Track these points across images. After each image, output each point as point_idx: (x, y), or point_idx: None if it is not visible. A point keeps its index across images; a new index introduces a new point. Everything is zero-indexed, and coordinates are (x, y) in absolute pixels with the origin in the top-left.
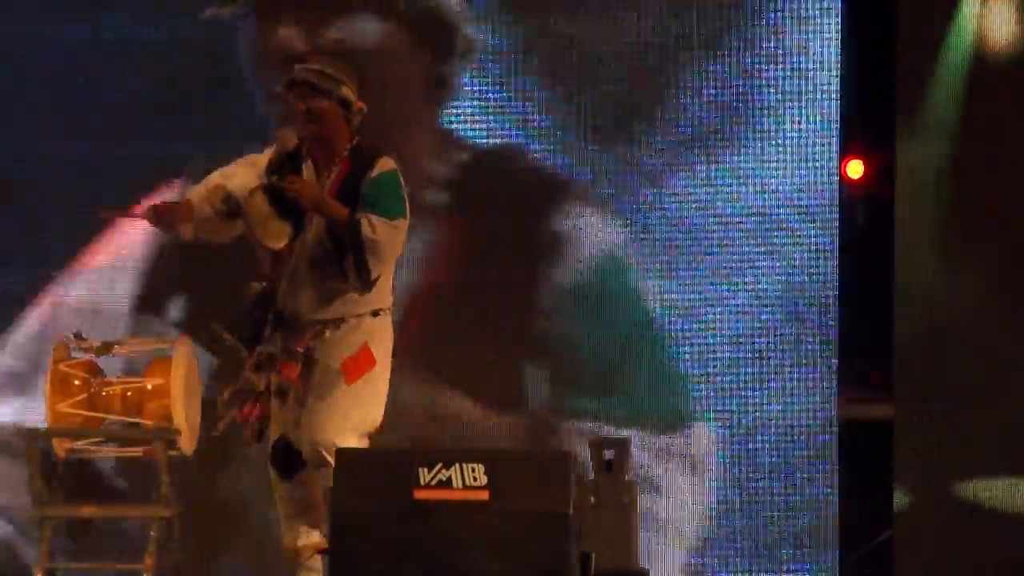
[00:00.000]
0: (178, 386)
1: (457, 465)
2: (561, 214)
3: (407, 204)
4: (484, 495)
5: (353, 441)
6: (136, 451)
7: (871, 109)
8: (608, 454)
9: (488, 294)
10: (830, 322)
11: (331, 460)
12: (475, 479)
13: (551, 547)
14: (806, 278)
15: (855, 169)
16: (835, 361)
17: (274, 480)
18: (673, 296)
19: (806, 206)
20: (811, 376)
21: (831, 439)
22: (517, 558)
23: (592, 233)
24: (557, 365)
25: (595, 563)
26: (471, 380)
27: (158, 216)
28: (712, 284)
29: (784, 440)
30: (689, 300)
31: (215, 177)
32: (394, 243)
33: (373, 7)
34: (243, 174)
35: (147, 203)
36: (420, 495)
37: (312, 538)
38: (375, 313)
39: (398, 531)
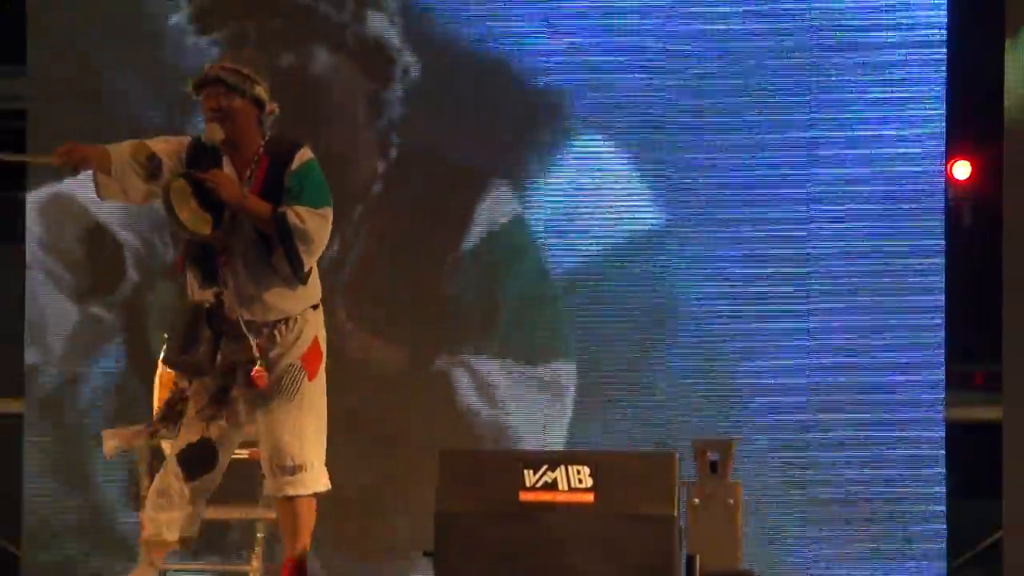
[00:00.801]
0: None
1: (562, 467)
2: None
3: (330, 193)
4: (589, 497)
5: (322, 444)
6: (242, 453)
7: (978, 109)
8: (712, 455)
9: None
10: (937, 324)
11: (299, 465)
12: (580, 481)
13: (656, 549)
14: (912, 280)
15: (962, 170)
16: (942, 363)
17: (173, 476)
18: (780, 299)
19: (911, 207)
20: (918, 377)
21: (939, 441)
22: (622, 560)
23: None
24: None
25: (700, 565)
26: None
27: (70, 155)
28: (817, 286)
29: (891, 442)
30: (793, 302)
31: (134, 140)
32: (322, 232)
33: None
34: (165, 145)
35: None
36: (525, 497)
37: (173, 537)
38: (315, 307)
39: (503, 533)
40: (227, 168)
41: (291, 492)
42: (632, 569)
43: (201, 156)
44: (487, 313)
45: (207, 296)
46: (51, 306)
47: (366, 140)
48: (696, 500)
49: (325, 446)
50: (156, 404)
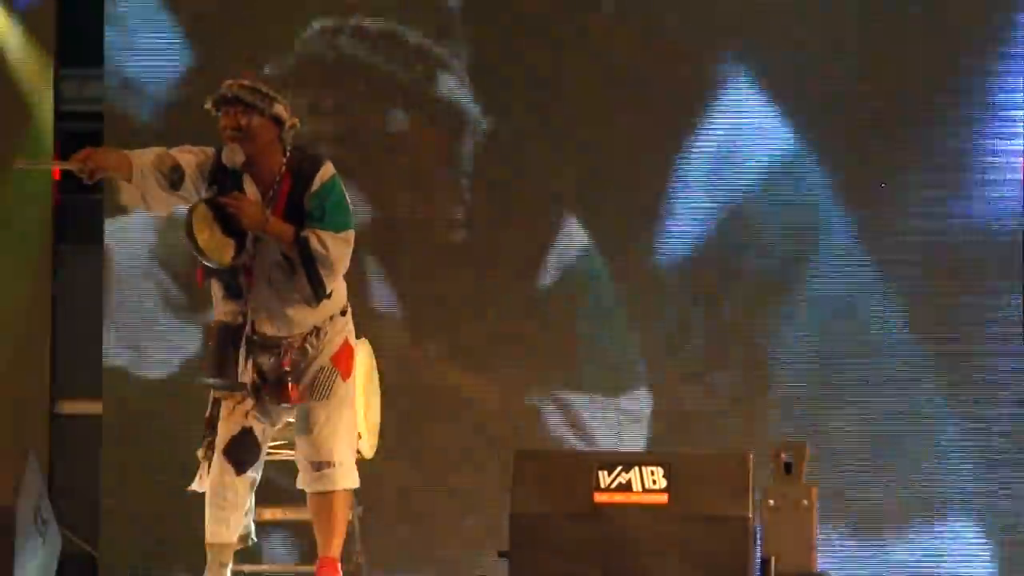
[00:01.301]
0: (360, 389)
1: (637, 468)
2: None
3: (351, 213)
4: (663, 498)
5: (353, 442)
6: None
7: None
8: (787, 457)
9: None
10: (1015, 350)
11: (335, 462)
12: (654, 482)
13: (730, 550)
14: (990, 303)
15: None
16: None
17: (224, 474)
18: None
19: (992, 232)
20: (993, 402)
21: None
22: (696, 561)
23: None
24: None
25: (775, 566)
26: None
27: (87, 161)
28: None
29: None
30: (868, 326)
31: (160, 148)
32: (344, 256)
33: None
34: (190, 156)
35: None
36: (600, 498)
37: (234, 536)
38: (343, 312)
39: (577, 533)
40: (248, 186)
41: (323, 488)
42: (706, 570)
43: (224, 170)
44: (566, 347)
45: (231, 310)
46: (136, 309)
47: (444, 190)
48: (771, 502)
49: (356, 444)
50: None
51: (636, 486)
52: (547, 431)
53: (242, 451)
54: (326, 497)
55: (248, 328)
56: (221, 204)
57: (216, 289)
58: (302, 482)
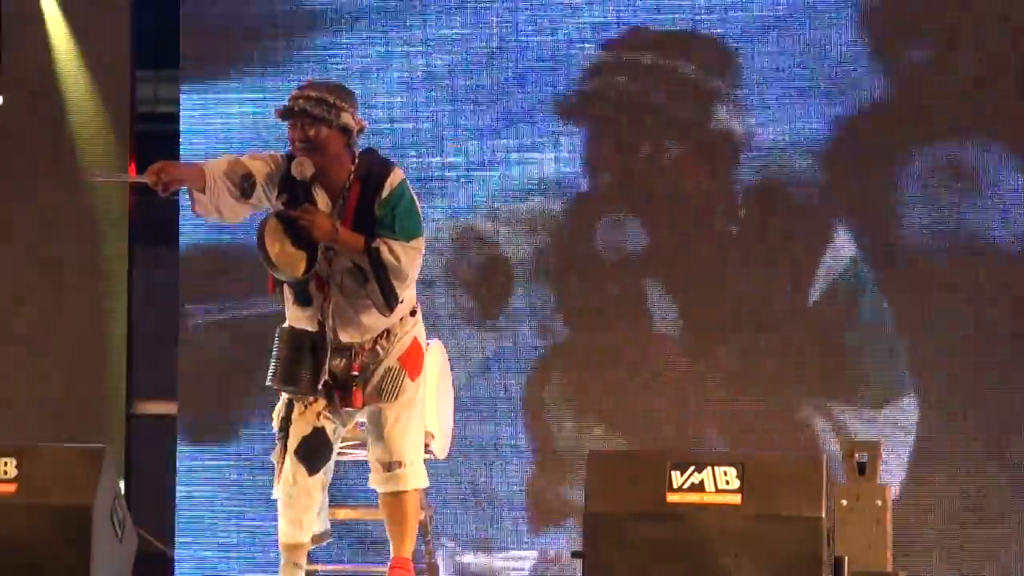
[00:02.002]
0: (432, 390)
1: (709, 468)
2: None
3: (422, 219)
4: (736, 498)
5: (421, 442)
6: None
7: None
8: (860, 457)
9: None
10: None
11: (406, 462)
12: (727, 482)
13: (804, 551)
14: None
15: None
16: None
17: (297, 475)
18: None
19: None
20: None
21: None
22: (769, 561)
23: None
24: None
25: (848, 567)
26: None
27: (162, 175)
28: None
29: None
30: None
31: (231, 156)
32: (415, 265)
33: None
34: (261, 164)
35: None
36: (672, 498)
37: (307, 537)
38: (412, 313)
39: (650, 533)
40: (318, 195)
41: (394, 488)
42: (779, 570)
43: (294, 178)
44: (834, 359)
45: (302, 316)
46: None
47: (719, 208)
48: (844, 502)
49: (423, 444)
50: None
51: (709, 486)
52: (816, 441)
53: (313, 451)
54: (397, 497)
55: (321, 334)
56: (292, 217)
57: (287, 295)
58: (373, 482)
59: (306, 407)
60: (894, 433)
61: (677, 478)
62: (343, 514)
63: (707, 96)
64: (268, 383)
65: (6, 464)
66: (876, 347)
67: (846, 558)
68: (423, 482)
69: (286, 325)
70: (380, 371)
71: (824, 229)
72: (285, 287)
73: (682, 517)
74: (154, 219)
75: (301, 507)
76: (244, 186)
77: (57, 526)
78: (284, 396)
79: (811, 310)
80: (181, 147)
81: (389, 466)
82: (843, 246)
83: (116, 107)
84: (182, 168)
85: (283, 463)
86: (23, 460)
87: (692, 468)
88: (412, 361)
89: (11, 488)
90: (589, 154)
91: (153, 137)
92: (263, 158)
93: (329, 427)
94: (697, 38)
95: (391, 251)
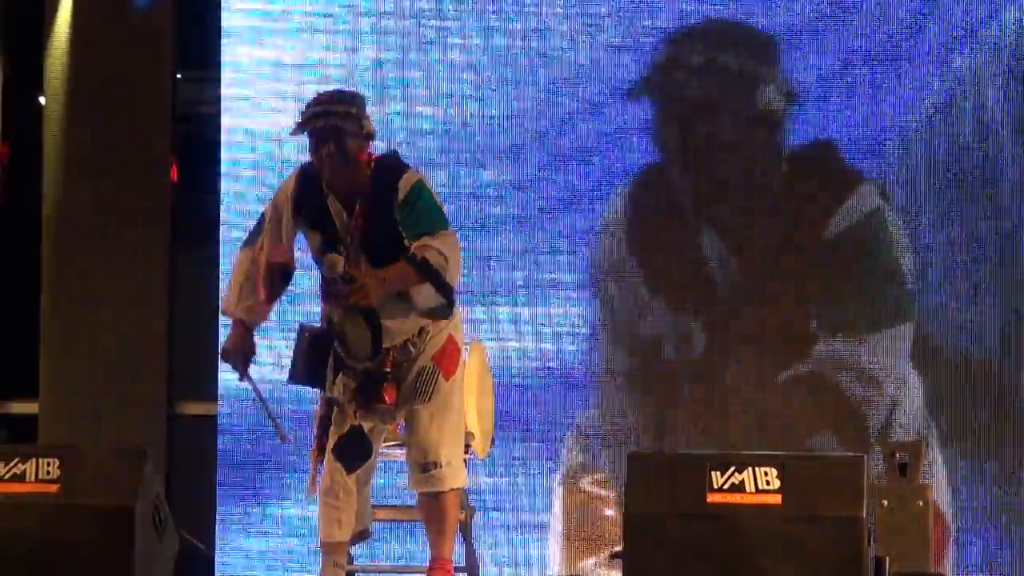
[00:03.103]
0: (471, 389)
1: (750, 469)
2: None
3: (444, 210)
4: (777, 499)
5: (460, 442)
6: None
7: None
8: (901, 457)
9: None
10: None
11: (442, 463)
12: (768, 483)
13: (844, 551)
14: None
15: None
16: None
17: (336, 473)
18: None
19: None
20: None
21: None
22: (810, 562)
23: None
24: None
25: (889, 568)
26: None
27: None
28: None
29: None
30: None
31: (246, 265)
32: (457, 252)
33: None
34: (272, 211)
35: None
36: (713, 498)
37: (347, 535)
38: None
39: (690, 533)
40: (332, 205)
41: (431, 488)
42: (820, 571)
43: (308, 188)
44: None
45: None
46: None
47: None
48: (885, 502)
49: (463, 443)
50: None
51: (749, 487)
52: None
53: (352, 450)
54: (435, 498)
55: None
56: (352, 305)
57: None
58: (411, 483)
59: (345, 405)
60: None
61: (717, 478)
62: (382, 514)
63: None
64: (288, 380)
65: (49, 465)
66: None
67: (887, 559)
68: (461, 482)
69: (310, 324)
70: (414, 370)
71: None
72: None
73: (722, 517)
74: (195, 216)
75: (341, 505)
76: (285, 284)
77: (99, 527)
78: (322, 395)
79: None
80: (221, 149)
81: (425, 467)
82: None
83: (156, 108)
84: (238, 349)
85: (318, 461)
86: (65, 461)
87: (732, 468)
88: (447, 360)
89: (53, 488)
90: None
91: (194, 139)
92: (274, 198)
93: (367, 426)
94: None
95: (438, 252)
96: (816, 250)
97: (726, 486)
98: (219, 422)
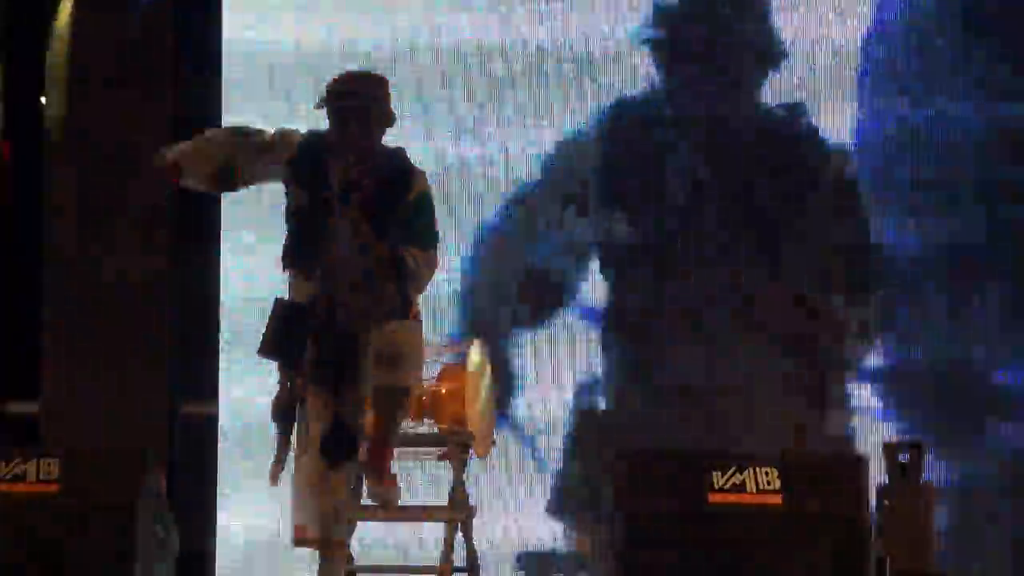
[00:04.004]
0: (472, 390)
1: (751, 469)
2: None
3: (437, 224)
4: (777, 499)
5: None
6: (430, 455)
7: None
8: (903, 458)
9: None
10: None
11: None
12: (768, 483)
13: (845, 552)
14: None
15: None
16: None
17: (320, 471)
18: None
19: None
20: None
21: None
22: (811, 562)
23: None
24: None
25: (890, 568)
26: None
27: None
28: None
29: None
30: None
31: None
32: (431, 272)
33: None
34: (255, 158)
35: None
36: (714, 499)
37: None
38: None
39: (691, 534)
40: (335, 172)
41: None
42: (821, 571)
43: (309, 154)
44: None
45: (305, 291)
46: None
47: None
48: (887, 502)
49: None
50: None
51: (750, 487)
52: None
53: (337, 445)
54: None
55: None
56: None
57: (296, 276)
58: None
59: (327, 400)
60: None
61: (718, 478)
62: (384, 515)
63: None
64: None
65: (50, 465)
66: None
67: (888, 558)
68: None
69: (282, 297)
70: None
71: None
72: (296, 263)
73: (723, 518)
74: (196, 216)
75: (326, 502)
76: (226, 177)
77: (100, 527)
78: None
79: None
80: None
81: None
82: None
83: (156, 108)
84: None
85: (282, 452)
86: (66, 461)
87: (733, 469)
88: None
89: (54, 489)
90: None
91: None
92: (268, 141)
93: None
94: None
95: (414, 259)
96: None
97: (727, 486)
98: (220, 421)
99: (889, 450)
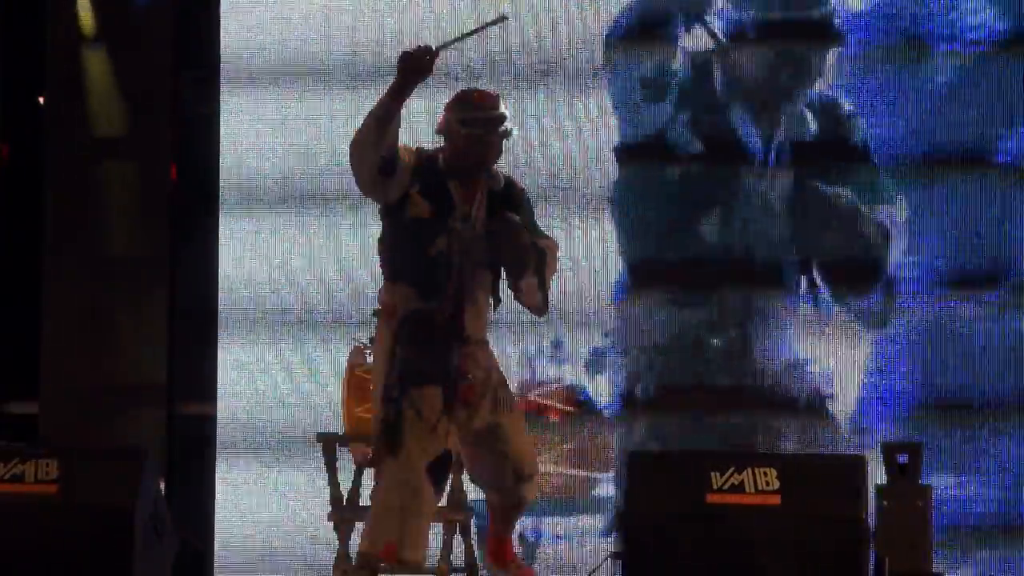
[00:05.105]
0: None
1: (749, 469)
2: None
3: None
4: (776, 499)
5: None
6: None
7: None
8: (901, 458)
9: None
10: None
11: (535, 472)
12: (767, 483)
13: (844, 552)
14: None
15: None
16: None
17: (418, 492)
18: None
19: None
20: None
21: None
22: (809, 562)
23: None
24: None
25: (889, 568)
26: None
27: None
28: None
29: None
30: None
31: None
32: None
33: None
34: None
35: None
36: (713, 499)
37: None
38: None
39: (690, 534)
40: (454, 191)
41: (523, 498)
42: (819, 571)
43: (427, 167)
44: None
45: (422, 307)
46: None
47: None
48: (885, 502)
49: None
50: (350, 410)
51: (749, 487)
52: None
53: (440, 469)
54: (520, 507)
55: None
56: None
57: (402, 288)
58: (502, 494)
59: (436, 423)
60: None
61: (717, 479)
62: None
63: None
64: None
65: (48, 465)
66: None
67: (887, 559)
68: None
69: (405, 309)
70: (491, 382)
71: None
72: (405, 275)
73: (722, 518)
74: (195, 216)
75: (420, 519)
76: (389, 160)
77: (98, 527)
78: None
79: None
80: (220, 149)
81: (520, 477)
82: None
83: (156, 107)
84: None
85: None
86: (64, 461)
87: (732, 469)
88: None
89: (52, 489)
90: None
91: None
92: (405, 151)
93: (450, 443)
94: None
95: (550, 251)
96: None
97: (726, 487)
98: (218, 422)
99: (888, 450)
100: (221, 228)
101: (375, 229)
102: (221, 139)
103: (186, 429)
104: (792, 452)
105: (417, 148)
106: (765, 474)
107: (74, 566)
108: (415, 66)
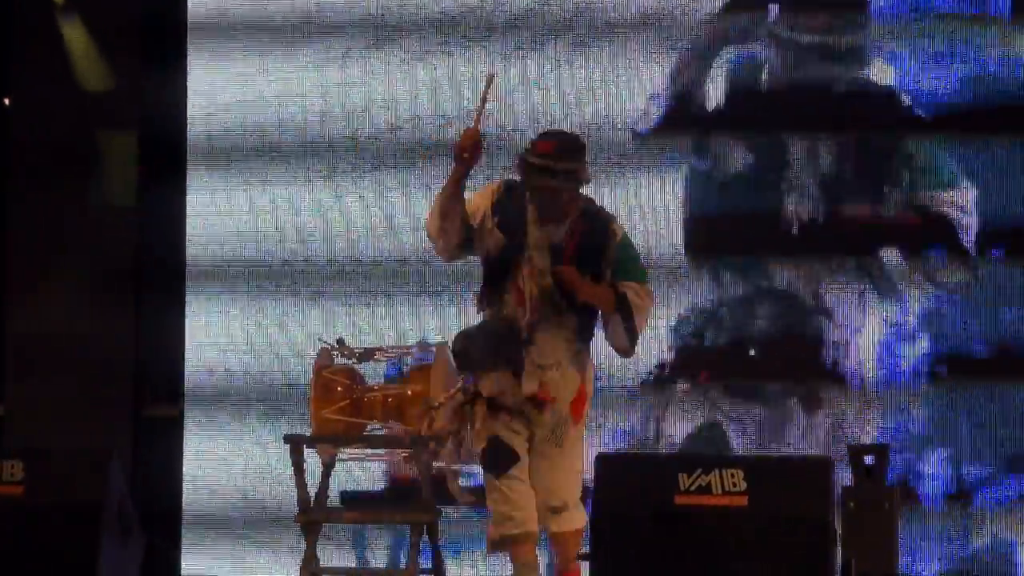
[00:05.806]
0: (438, 392)
1: (717, 471)
2: None
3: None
4: (743, 501)
5: (579, 484)
6: (398, 457)
7: None
8: (868, 460)
9: None
10: None
11: (569, 504)
12: (734, 485)
13: (811, 553)
14: None
15: None
16: None
17: (489, 479)
18: None
19: None
20: None
21: None
22: (776, 563)
23: None
24: None
25: (855, 569)
26: None
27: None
28: None
29: None
30: None
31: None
32: (651, 307)
33: None
34: (472, 207)
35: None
36: (680, 500)
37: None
38: (584, 348)
39: (658, 535)
40: (532, 231)
41: (555, 529)
42: (787, 571)
43: (510, 199)
44: None
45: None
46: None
47: None
48: (852, 504)
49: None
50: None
51: (716, 488)
52: None
53: (498, 458)
54: (559, 535)
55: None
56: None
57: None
58: (540, 519)
59: (498, 414)
60: None
61: (685, 480)
62: (350, 517)
63: None
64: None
65: (13, 467)
66: None
67: (853, 560)
68: (579, 523)
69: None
70: (555, 414)
71: None
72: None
73: (689, 519)
74: (162, 219)
75: (512, 502)
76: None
77: (64, 527)
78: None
79: None
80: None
81: (554, 509)
82: None
83: (122, 110)
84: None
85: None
86: (30, 463)
87: (699, 470)
88: (577, 408)
89: (18, 491)
90: None
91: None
92: (479, 195)
93: (505, 434)
94: None
95: (637, 294)
96: None
97: (693, 488)
98: (185, 423)
99: (854, 452)
100: (188, 229)
101: None
102: (188, 141)
103: (153, 429)
104: (759, 455)
105: (502, 181)
106: (732, 475)
107: (41, 567)
108: (468, 151)
